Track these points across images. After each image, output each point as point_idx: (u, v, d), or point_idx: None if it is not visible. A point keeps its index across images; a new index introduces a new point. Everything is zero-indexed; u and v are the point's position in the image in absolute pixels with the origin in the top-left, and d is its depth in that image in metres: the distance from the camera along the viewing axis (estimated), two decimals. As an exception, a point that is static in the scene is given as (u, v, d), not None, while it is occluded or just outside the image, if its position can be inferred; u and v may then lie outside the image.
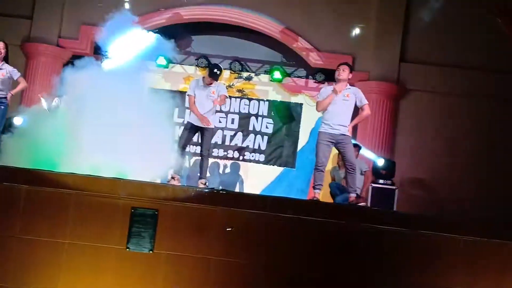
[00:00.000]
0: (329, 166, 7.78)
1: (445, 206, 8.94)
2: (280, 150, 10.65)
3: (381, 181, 8.83)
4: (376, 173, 8.95)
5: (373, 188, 8.74)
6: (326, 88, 6.87)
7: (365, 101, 6.71)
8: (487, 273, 4.94)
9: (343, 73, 6.64)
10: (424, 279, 4.89)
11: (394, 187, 8.66)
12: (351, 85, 7.04)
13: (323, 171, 6.66)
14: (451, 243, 5.01)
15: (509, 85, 10.12)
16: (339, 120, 6.52)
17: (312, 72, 10.84)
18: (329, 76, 10.32)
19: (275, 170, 10.59)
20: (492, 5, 10.12)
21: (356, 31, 10.84)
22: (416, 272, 4.92)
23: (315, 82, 10.77)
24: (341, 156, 6.81)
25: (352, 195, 6.65)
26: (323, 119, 6.66)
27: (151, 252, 4.83)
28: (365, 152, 9.48)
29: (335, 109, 6.54)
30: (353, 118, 6.78)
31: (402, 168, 9.36)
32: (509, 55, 10.19)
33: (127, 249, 4.83)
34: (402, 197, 8.79)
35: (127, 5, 9.70)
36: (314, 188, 6.62)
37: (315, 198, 6.45)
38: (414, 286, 4.88)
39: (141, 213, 4.88)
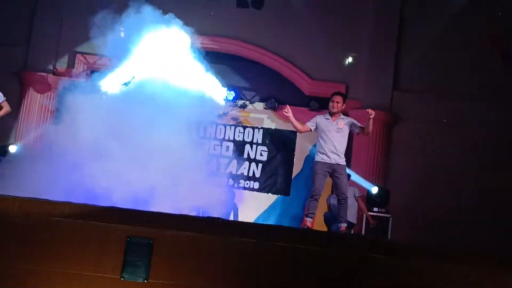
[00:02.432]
0: (325, 193, 7.83)
1: (439, 233, 8.95)
2: (275, 177, 10.70)
3: (375, 209, 8.87)
4: (370, 201, 8.99)
5: (367, 216, 8.77)
6: (319, 117, 6.87)
7: (359, 124, 6.74)
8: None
9: (337, 105, 6.68)
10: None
11: (388, 215, 8.69)
12: (344, 114, 7.11)
13: (317, 200, 6.68)
14: (444, 273, 5.00)
15: (501, 115, 10.24)
16: (334, 149, 6.54)
17: (307, 100, 10.95)
18: (323, 104, 10.44)
19: (270, 198, 10.61)
20: (486, 37, 10.29)
21: (349, 60, 11.01)
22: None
23: (309, 110, 10.86)
24: (334, 185, 6.80)
25: (343, 225, 6.66)
26: (318, 148, 6.70)
27: (146, 281, 4.79)
28: (359, 180, 9.53)
29: (329, 137, 6.57)
30: (348, 147, 6.83)
31: (396, 196, 9.40)
32: (500, 85, 10.34)
33: (122, 279, 4.78)
34: (396, 225, 8.82)
35: None
36: (306, 216, 6.63)
37: (306, 226, 6.46)
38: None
39: (137, 242, 4.84)
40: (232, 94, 9.96)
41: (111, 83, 8.18)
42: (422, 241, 7.94)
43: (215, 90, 8.40)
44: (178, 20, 8.12)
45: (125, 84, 8.12)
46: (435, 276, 4.98)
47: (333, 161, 6.52)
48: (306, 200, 10.31)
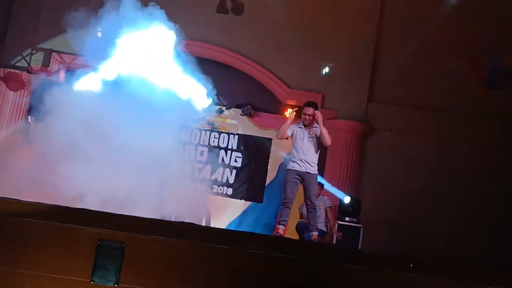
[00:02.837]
0: (297, 202, 7.85)
1: (408, 245, 9.05)
2: (248, 184, 10.71)
3: (347, 218, 8.94)
4: (342, 210, 9.06)
5: (339, 225, 8.84)
6: (294, 126, 6.89)
7: (326, 143, 6.73)
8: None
9: (309, 117, 6.71)
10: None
11: (359, 225, 8.76)
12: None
13: (289, 208, 6.72)
14: (413, 283, 5.06)
15: (473, 127, 10.45)
16: (305, 157, 6.60)
17: (282, 108, 10.99)
18: (298, 112, 10.50)
19: (243, 204, 10.61)
20: (459, 50, 10.52)
21: (326, 70, 11.10)
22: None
23: (284, 118, 10.88)
24: (304, 193, 6.84)
25: (314, 233, 6.70)
26: (290, 157, 6.75)
27: (116, 285, 4.74)
28: (332, 189, 9.60)
29: (301, 146, 6.62)
30: (321, 156, 6.89)
31: (367, 206, 9.50)
32: (472, 98, 10.55)
33: (92, 282, 4.73)
34: (367, 234, 8.90)
35: None
36: (278, 223, 6.66)
37: (278, 234, 6.49)
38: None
39: (108, 245, 4.79)
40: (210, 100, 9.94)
41: (87, 82, 8.10)
42: (392, 251, 8.03)
43: (196, 94, 8.38)
44: (161, 13, 8.05)
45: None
46: (401, 286, 5.04)
47: (303, 169, 6.58)
48: (279, 208, 10.37)
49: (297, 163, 6.59)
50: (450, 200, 10.08)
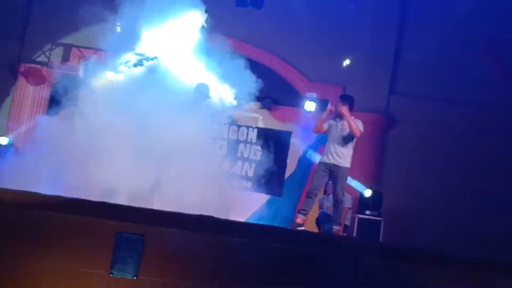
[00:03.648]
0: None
1: (431, 237, 8.93)
2: (267, 177, 10.63)
3: (367, 212, 8.84)
4: (363, 204, 8.96)
5: (359, 219, 8.75)
6: (331, 120, 6.90)
7: (361, 128, 6.72)
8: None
9: (339, 107, 6.73)
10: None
11: (380, 219, 8.66)
12: None
13: (313, 198, 6.70)
14: (435, 276, 4.98)
15: (495, 121, 10.28)
16: (335, 149, 6.58)
17: (302, 101, 10.91)
18: (319, 105, 10.42)
19: (262, 198, 10.56)
20: (482, 43, 10.35)
21: (347, 62, 10.98)
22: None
23: (304, 111, 10.81)
24: (332, 186, 6.83)
25: (336, 227, 6.65)
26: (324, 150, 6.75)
27: (135, 278, 4.74)
28: (353, 182, 9.50)
29: (333, 139, 6.62)
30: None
31: (389, 199, 9.39)
32: (496, 93, 10.37)
33: (111, 275, 4.73)
34: (388, 228, 8.80)
35: None
36: (299, 212, 6.62)
37: (296, 223, 6.47)
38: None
39: (127, 237, 4.79)
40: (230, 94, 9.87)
41: (108, 76, 8.10)
42: (413, 245, 7.93)
43: (217, 87, 8.33)
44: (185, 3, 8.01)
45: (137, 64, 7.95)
46: (424, 279, 4.97)
47: (331, 161, 6.56)
48: (297, 201, 10.31)
49: (326, 156, 6.61)
50: (472, 193, 9.92)
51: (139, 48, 8.06)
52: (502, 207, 9.70)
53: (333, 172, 6.60)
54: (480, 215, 9.68)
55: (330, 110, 6.83)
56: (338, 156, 6.59)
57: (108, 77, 8.02)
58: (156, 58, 7.96)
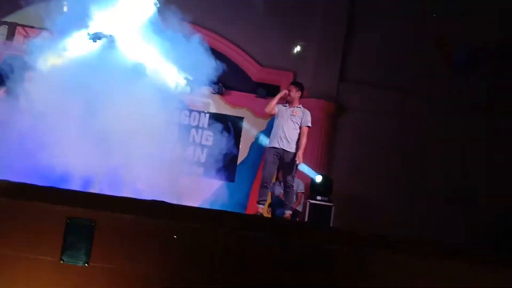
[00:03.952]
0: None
1: (379, 223, 9.13)
2: (220, 163, 10.59)
3: (318, 197, 8.94)
4: (314, 189, 9.06)
5: (310, 204, 8.84)
6: (280, 105, 6.91)
7: (308, 124, 6.80)
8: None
9: (292, 93, 6.74)
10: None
11: (331, 204, 8.79)
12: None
13: (268, 187, 6.74)
14: (386, 260, 5.08)
15: (442, 109, 10.59)
16: (284, 134, 6.59)
17: (254, 86, 10.89)
18: (270, 91, 10.44)
19: (214, 184, 10.51)
20: (431, 34, 10.61)
21: (298, 48, 11.02)
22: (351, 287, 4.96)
23: (256, 97, 10.81)
24: (282, 172, 6.85)
25: (288, 212, 6.70)
26: (270, 136, 6.71)
27: (86, 264, 4.63)
28: (304, 168, 9.57)
29: (282, 124, 6.62)
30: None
31: (339, 185, 9.52)
32: (442, 82, 10.68)
33: (61, 261, 4.60)
34: (338, 213, 8.93)
35: None
36: (258, 203, 6.64)
37: (258, 213, 6.45)
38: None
39: (77, 223, 4.67)
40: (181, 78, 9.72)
41: (53, 57, 7.85)
42: (362, 230, 8.08)
43: (167, 72, 8.20)
44: None
45: (95, 37, 7.70)
46: (376, 263, 5.07)
47: (281, 147, 6.56)
48: (250, 187, 10.34)
49: (276, 140, 6.59)
50: (419, 180, 10.21)
51: (91, 27, 7.85)
52: (451, 193, 10.05)
53: (282, 158, 6.62)
54: (429, 200, 9.98)
55: (285, 94, 6.85)
56: (288, 141, 6.62)
57: (55, 58, 7.77)
58: (109, 36, 7.76)
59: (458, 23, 10.53)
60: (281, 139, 6.58)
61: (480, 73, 10.73)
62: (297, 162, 6.67)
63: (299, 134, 6.80)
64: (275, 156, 6.59)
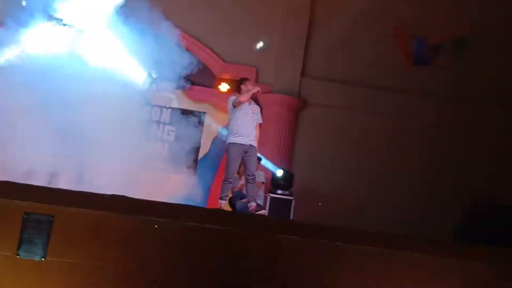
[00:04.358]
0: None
1: (338, 217, 9.29)
2: (181, 158, 10.56)
3: (279, 191, 9.04)
4: (275, 183, 9.15)
5: (271, 198, 8.94)
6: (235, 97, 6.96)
7: (261, 120, 6.97)
8: (375, 281, 5.17)
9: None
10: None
11: (291, 198, 8.89)
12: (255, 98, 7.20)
13: (231, 183, 6.82)
14: (346, 252, 5.21)
15: (401, 103, 10.82)
16: (249, 132, 6.69)
17: (216, 82, 10.89)
18: (233, 86, 10.47)
19: (176, 178, 10.48)
20: (389, 28, 10.82)
21: (260, 44, 11.08)
22: (313, 279, 5.07)
23: (218, 92, 10.81)
24: (244, 165, 6.91)
25: (253, 204, 6.77)
26: (232, 131, 6.73)
27: (43, 259, 4.60)
28: (266, 162, 9.67)
29: (245, 120, 6.69)
30: None
31: (299, 179, 9.64)
32: (401, 74, 10.90)
33: (18, 256, 4.57)
34: (298, 207, 9.05)
35: None
36: (220, 198, 6.69)
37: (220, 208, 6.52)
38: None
39: (35, 218, 4.63)
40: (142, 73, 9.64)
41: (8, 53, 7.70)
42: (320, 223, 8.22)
43: (129, 67, 8.12)
44: None
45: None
46: (336, 254, 5.19)
47: (247, 143, 6.65)
48: (211, 181, 10.36)
49: (241, 136, 6.64)
50: (380, 174, 10.41)
51: (55, 15, 7.71)
52: (410, 186, 10.29)
53: (247, 153, 6.69)
54: (388, 193, 10.19)
55: (258, 91, 6.92)
56: (253, 136, 6.72)
57: (14, 52, 7.63)
58: (72, 26, 7.64)
59: (416, 14, 10.75)
60: (247, 135, 6.67)
61: (439, 63, 10.99)
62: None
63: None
64: (239, 151, 6.65)
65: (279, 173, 9.27)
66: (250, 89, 6.84)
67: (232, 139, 6.72)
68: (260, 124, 7.05)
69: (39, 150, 6.81)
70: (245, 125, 6.71)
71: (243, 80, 7.03)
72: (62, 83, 7.08)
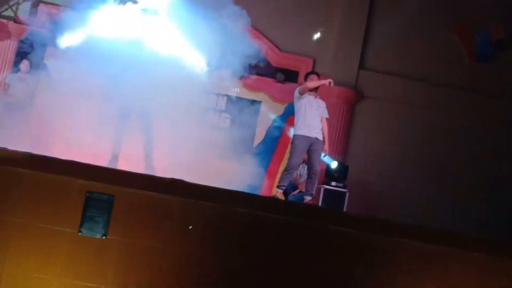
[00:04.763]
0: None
1: (393, 211, 9.17)
2: (236, 145, 10.61)
3: (333, 183, 8.98)
4: (329, 175, 9.09)
5: (325, 190, 8.87)
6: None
7: (327, 115, 6.93)
8: (428, 278, 5.11)
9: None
10: (371, 281, 5.02)
11: (345, 190, 8.82)
12: None
13: (292, 174, 6.84)
14: (399, 247, 5.15)
15: (458, 100, 10.56)
16: (316, 124, 6.67)
17: (273, 71, 10.88)
18: (289, 76, 10.46)
19: (230, 166, 10.55)
20: (450, 22, 10.56)
21: (318, 35, 11.00)
22: (364, 272, 5.04)
23: (275, 81, 10.81)
24: (308, 159, 6.90)
25: (308, 198, 6.76)
26: (298, 123, 6.73)
27: (104, 237, 4.75)
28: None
29: (311, 113, 6.68)
30: None
31: (354, 171, 9.55)
32: (461, 70, 10.64)
33: (80, 233, 4.73)
34: (352, 200, 8.97)
35: None
36: (278, 187, 6.71)
37: (275, 197, 6.54)
38: (359, 286, 5.01)
39: (97, 197, 4.79)
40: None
41: (77, 36, 7.91)
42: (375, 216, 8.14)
43: (189, 55, 8.20)
44: None
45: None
46: (389, 249, 5.14)
47: (314, 135, 6.64)
48: (265, 170, 10.39)
49: (307, 129, 6.65)
50: (436, 170, 10.22)
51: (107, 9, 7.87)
52: (466, 182, 10.07)
53: (312, 145, 6.68)
54: (443, 189, 10.00)
55: (329, 83, 6.90)
56: (319, 129, 6.71)
57: (78, 35, 7.84)
58: (139, 4, 7.75)
59: (478, 8, 10.46)
60: (314, 128, 6.67)
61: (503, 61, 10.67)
62: (324, 153, 6.78)
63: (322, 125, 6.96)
64: (307, 145, 6.65)
65: (334, 165, 9.20)
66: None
67: (299, 132, 6.71)
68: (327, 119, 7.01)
69: (101, 134, 7.00)
70: (311, 117, 6.70)
71: (309, 74, 7.03)
72: (125, 67, 7.23)
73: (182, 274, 4.80)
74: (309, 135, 6.62)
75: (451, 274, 5.14)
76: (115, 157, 6.98)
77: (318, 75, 7.10)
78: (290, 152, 6.76)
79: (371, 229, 5.22)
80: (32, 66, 8.07)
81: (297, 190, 8.42)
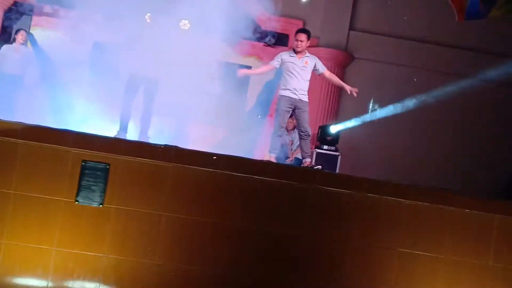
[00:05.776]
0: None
1: (384, 172, 9.25)
2: (227, 111, 10.59)
3: (325, 147, 9.03)
4: (321, 139, 9.13)
5: (317, 153, 8.94)
6: (284, 54, 6.85)
7: (325, 68, 6.88)
8: (427, 235, 5.21)
9: (301, 43, 6.70)
10: (368, 239, 5.11)
11: (337, 153, 8.88)
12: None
13: (281, 136, 6.85)
14: (395, 206, 5.23)
15: (450, 59, 10.54)
16: (299, 86, 6.62)
17: (263, 35, 10.79)
18: (279, 39, 10.38)
19: (222, 132, 10.55)
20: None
21: (308, -4, 10.88)
22: (362, 232, 5.13)
23: (264, 45, 10.73)
24: (296, 121, 6.90)
25: (308, 160, 6.78)
26: (283, 84, 6.70)
27: (100, 206, 4.78)
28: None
29: (294, 74, 6.62)
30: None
31: (345, 134, 9.59)
32: (452, 30, 10.58)
33: (76, 202, 4.76)
34: (343, 163, 9.04)
35: None
36: (270, 152, 6.73)
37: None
38: (359, 246, 5.11)
39: (92, 166, 4.81)
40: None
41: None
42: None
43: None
44: None
45: None
46: (385, 208, 5.23)
47: (297, 97, 6.60)
48: (258, 135, 10.39)
49: (290, 90, 6.60)
50: (426, 129, 10.29)
51: None
52: (454, 141, 10.15)
53: (297, 108, 6.65)
54: (432, 148, 10.09)
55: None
56: (303, 90, 6.66)
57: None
58: None
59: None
60: (296, 90, 6.61)
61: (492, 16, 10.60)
62: (354, 93, 6.98)
63: (327, 80, 7.19)
64: (290, 107, 6.63)
65: (333, 129, 9.23)
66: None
67: (281, 92, 6.71)
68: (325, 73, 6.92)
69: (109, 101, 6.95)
70: (293, 78, 6.63)
71: (298, 33, 6.90)
72: (132, 31, 7.14)
73: (179, 239, 4.86)
74: (292, 96, 6.60)
75: (443, 231, 5.26)
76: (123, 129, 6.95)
77: (307, 33, 6.94)
78: (275, 114, 6.79)
79: (362, 189, 5.30)
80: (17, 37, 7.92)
81: (289, 159, 8.46)
